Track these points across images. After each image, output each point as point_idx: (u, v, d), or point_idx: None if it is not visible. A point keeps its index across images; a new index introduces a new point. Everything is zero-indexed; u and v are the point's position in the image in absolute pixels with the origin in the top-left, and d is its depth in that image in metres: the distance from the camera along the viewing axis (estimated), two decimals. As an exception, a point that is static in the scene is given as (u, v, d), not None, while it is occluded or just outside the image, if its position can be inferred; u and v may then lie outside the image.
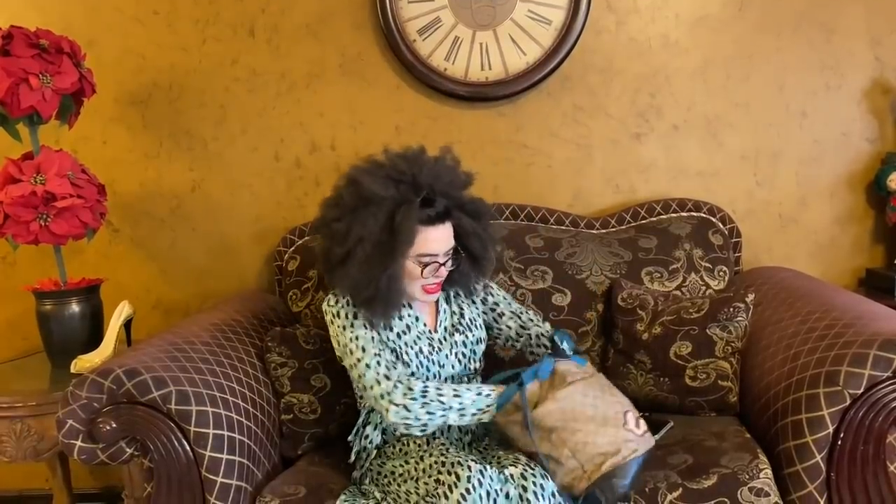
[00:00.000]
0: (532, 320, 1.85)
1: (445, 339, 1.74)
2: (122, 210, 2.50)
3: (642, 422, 1.54)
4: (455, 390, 1.57)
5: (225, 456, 1.59)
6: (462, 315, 1.79)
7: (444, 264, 1.65)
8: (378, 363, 1.61)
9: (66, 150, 2.13)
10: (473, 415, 1.56)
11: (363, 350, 1.62)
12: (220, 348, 1.80)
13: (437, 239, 1.62)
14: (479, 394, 1.57)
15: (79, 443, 1.56)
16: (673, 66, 2.37)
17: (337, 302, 1.68)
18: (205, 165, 2.48)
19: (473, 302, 1.83)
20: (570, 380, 1.53)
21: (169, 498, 1.59)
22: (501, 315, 1.84)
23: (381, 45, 2.39)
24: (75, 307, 2.13)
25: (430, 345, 1.72)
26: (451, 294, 1.80)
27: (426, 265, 1.62)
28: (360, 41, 2.40)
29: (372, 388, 1.59)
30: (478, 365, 1.80)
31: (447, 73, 2.36)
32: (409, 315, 1.72)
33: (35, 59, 1.95)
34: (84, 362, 2.00)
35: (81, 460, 1.58)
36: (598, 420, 1.49)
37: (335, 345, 1.69)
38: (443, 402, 1.55)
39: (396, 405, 1.55)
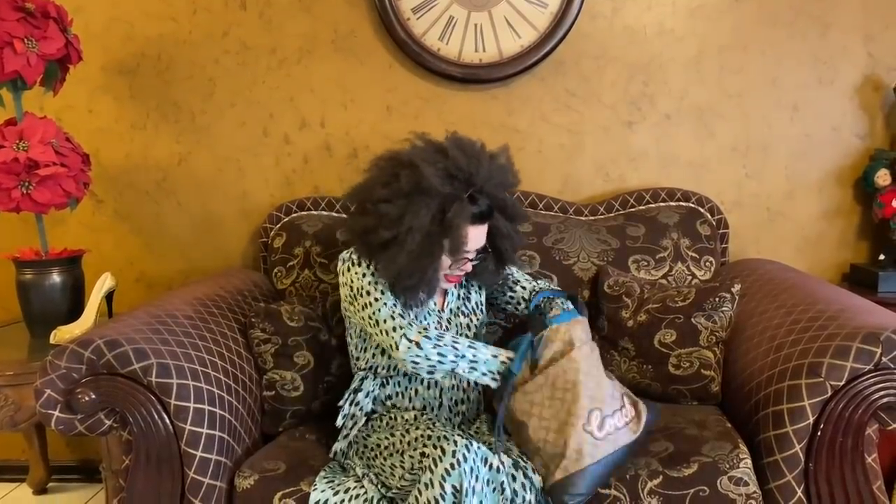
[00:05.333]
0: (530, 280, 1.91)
1: (451, 321, 1.77)
2: (107, 181, 2.46)
3: (610, 422, 1.53)
4: (472, 344, 1.61)
5: (205, 430, 1.58)
6: (468, 298, 1.82)
7: (471, 260, 1.68)
8: (395, 305, 1.64)
9: (51, 118, 2.09)
10: (483, 374, 1.60)
11: (382, 293, 1.64)
12: (203, 322, 1.79)
13: (474, 238, 1.65)
14: (496, 356, 1.60)
15: (57, 413, 1.54)
16: (667, 54, 2.36)
17: (359, 258, 1.67)
18: (192, 139, 2.45)
19: (481, 287, 1.85)
20: (542, 364, 1.56)
21: (147, 471, 1.57)
22: (517, 282, 1.88)
23: (375, 23, 2.36)
24: (56, 277, 2.09)
25: (438, 322, 1.75)
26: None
27: (457, 259, 1.65)
28: (353, 17, 2.37)
29: (386, 321, 1.61)
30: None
31: (440, 53, 2.34)
32: None
33: (20, 22, 1.91)
34: (64, 333, 1.98)
35: (59, 431, 1.56)
36: (556, 420, 1.51)
37: (347, 292, 1.68)
38: (457, 349, 1.58)
39: (409, 340, 1.58)
